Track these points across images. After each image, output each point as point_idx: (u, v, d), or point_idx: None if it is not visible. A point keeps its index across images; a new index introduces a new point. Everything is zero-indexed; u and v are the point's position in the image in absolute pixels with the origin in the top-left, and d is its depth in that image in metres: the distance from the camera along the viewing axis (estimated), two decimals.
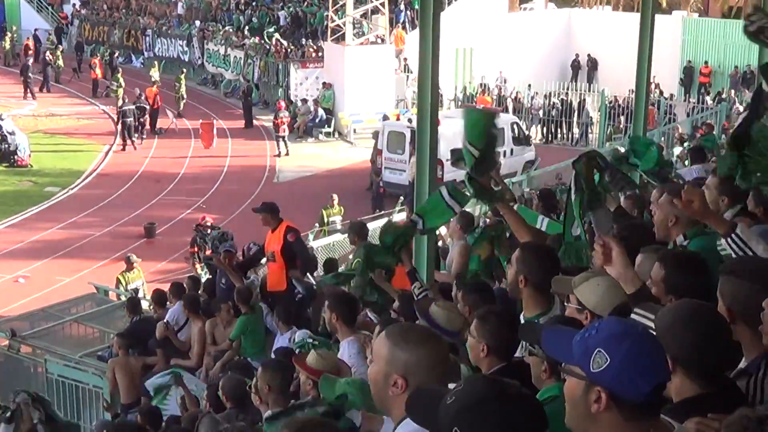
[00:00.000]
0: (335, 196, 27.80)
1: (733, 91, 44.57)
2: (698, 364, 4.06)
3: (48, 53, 54.27)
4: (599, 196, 8.24)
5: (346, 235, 16.50)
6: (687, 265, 5.47)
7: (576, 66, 51.56)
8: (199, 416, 10.30)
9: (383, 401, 4.13)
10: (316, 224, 26.63)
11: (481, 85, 46.94)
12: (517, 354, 5.87)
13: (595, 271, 5.78)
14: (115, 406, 15.11)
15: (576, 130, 44.70)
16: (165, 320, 15.26)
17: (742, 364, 4.49)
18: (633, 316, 4.26)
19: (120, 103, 43.33)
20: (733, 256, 5.64)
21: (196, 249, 24.32)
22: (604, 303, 5.36)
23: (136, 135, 41.77)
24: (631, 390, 3.40)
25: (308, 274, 16.14)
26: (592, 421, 3.47)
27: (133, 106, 42.14)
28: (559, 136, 44.81)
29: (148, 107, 42.91)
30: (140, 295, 20.99)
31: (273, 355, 12.01)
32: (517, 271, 6.38)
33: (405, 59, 46.56)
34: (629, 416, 3.42)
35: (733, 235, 5.75)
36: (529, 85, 46.20)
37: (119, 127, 42.08)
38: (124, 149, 41.25)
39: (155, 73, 49.41)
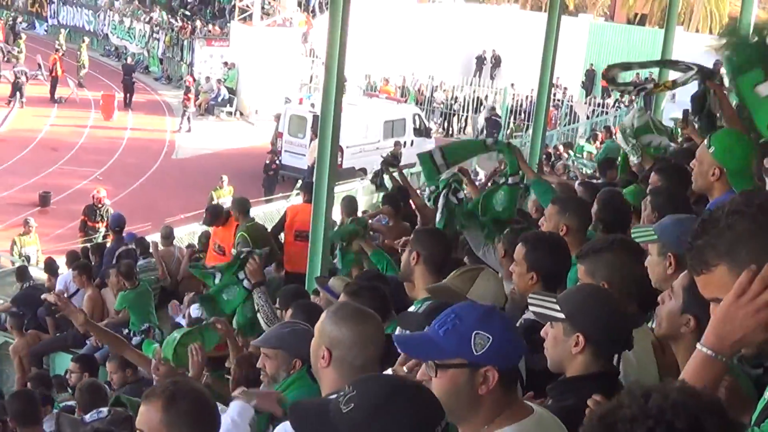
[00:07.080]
0: (225, 178, 27.60)
1: (633, 96, 44.97)
2: (608, 340, 4.14)
3: None
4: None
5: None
6: (548, 244, 5.77)
7: (480, 61, 51.74)
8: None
9: (316, 372, 4.36)
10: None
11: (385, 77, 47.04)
12: None
13: (472, 267, 6.10)
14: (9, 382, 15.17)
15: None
16: (56, 288, 15.24)
17: None
18: (530, 301, 4.31)
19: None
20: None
21: (85, 218, 24.20)
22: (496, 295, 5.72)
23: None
24: (513, 357, 3.64)
25: None
26: (474, 407, 3.55)
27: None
28: (459, 129, 45.10)
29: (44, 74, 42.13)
30: (33, 261, 20.93)
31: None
32: (410, 250, 6.51)
33: (311, 44, 46.49)
34: (507, 387, 3.58)
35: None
36: (432, 77, 46.50)
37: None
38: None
39: (62, 41, 48.74)
